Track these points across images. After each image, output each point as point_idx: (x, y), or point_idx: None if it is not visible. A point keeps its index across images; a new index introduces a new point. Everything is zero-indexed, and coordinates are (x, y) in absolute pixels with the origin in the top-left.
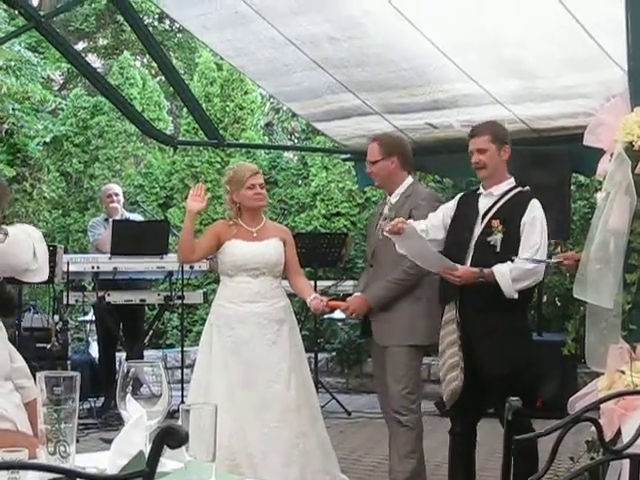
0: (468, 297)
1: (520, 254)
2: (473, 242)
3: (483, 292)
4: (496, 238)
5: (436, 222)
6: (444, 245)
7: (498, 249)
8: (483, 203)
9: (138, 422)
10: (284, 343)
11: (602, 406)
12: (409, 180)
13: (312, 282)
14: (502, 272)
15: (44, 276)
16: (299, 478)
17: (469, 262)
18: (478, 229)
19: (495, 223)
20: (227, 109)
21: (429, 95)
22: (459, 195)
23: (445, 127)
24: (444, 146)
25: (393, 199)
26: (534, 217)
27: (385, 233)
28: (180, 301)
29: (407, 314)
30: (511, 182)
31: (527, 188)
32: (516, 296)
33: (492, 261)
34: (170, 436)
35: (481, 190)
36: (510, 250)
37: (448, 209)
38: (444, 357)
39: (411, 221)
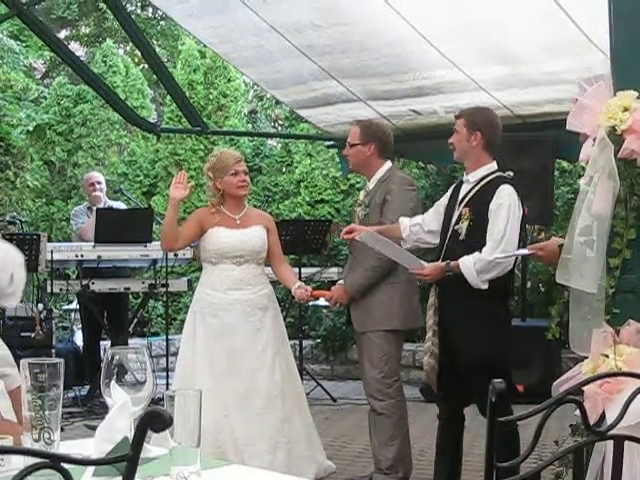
0: (446, 283)
1: (487, 243)
2: (450, 231)
3: (459, 279)
4: (462, 226)
5: (432, 213)
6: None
7: (462, 237)
8: (463, 190)
9: (122, 408)
10: (268, 330)
11: (586, 390)
12: (387, 165)
13: (296, 269)
14: (467, 265)
15: (15, 301)
16: (285, 464)
17: (443, 252)
18: (455, 217)
19: (464, 211)
20: (210, 97)
21: (413, 82)
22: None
23: (429, 113)
24: (428, 132)
25: (370, 185)
26: (500, 204)
27: (357, 238)
28: (164, 289)
29: (384, 299)
30: (490, 167)
31: (508, 173)
32: (484, 287)
33: (458, 250)
34: (154, 419)
35: (464, 177)
36: (475, 238)
37: (445, 198)
38: (425, 342)
39: (403, 219)
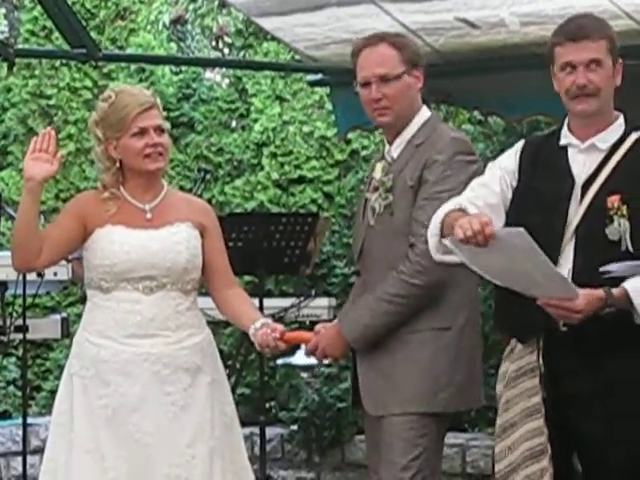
0: (570, 329)
1: None
2: (570, 232)
3: (599, 320)
4: (619, 229)
5: (491, 196)
6: None
7: (628, 246)
8: (579, 162)
9: None
10: (200, 409)
11: None
12: (424, 114)
13: (256, 301)
14: None
15: None
16: None
17: (566, 268)
18: (578, 210)
19: (612, 201)
20: None
21: None
22: (520, 145)
23: (492, 26)
24: (490, 60)
25: (395, 150)
26: None
27: (447, 242)
28: (19, 336)
29: (421, 359)
30: (621, 122)
31: None
32: None
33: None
34: None
35: (570, 139)
36: None
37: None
38: (514, 436)
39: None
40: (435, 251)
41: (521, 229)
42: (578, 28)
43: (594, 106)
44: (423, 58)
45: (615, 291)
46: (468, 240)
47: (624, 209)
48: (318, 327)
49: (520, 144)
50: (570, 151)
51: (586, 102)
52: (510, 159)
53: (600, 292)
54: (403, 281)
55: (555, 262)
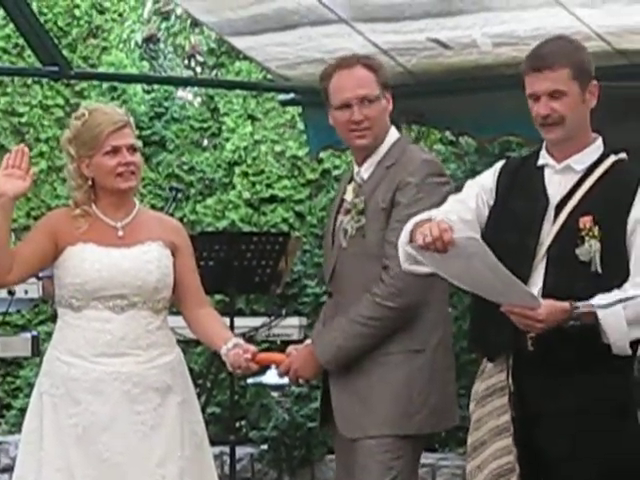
0: (538, 348)
1: (635, 273)
2: (542, 253)
3: (566, 339)
4: (589, 250)
5: (466, 212)
6: None
7: (597, 268)
8: (556, 185)
9: None
10: (170, 429)
11: None
12: (393, 135)
13: (227, 319)
14: (610, 310)
15: None
16: None
17: (536, 287)
18: (551, 230)
19: (585, 222)
20: (76, 13)
21: None
22: (498, 165)
23: (464, 46)
24: (462, 81)
25: (365, 172)
26: None
27: (408, 248)
28: None
29: (395, 381)
30: (599, 145)
31: (623, 155)
32: (630, 351)
33: (583, 288)
34: None
35: (547, 160)
36: (613, 271)
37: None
38: (483, 455)
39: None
40: (404, 260)
41: (475, 235)
42: (540, 58)
43: (559, 134)
44: (392, 80)
45: (581, 305)
46: (428, 246)
47: (596, 230)
48: (290, 349)
49: (500, 163)
50: (546, 172)
51: (552, 131)
52: (489, 177)
53: (565, 304)
54: (377, 303)
55: (526, 281)
